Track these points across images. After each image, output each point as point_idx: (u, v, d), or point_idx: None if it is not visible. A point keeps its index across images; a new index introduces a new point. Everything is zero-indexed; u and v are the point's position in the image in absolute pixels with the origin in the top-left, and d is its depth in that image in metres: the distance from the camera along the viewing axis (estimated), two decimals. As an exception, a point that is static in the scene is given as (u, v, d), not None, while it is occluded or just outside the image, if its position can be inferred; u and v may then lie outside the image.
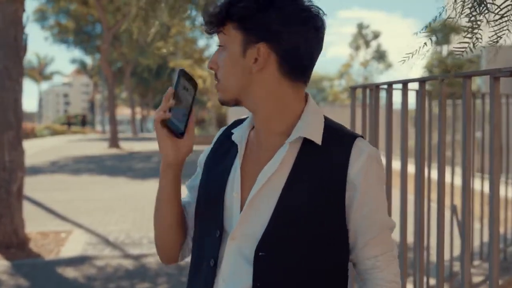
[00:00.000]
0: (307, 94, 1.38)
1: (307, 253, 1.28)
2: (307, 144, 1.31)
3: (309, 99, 1.37)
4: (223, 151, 1.44)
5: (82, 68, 53.85)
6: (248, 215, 1.31)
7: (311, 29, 1.30)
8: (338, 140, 1.32)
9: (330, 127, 1.35)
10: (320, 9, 1.32)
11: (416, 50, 2.04)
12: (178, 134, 1.34)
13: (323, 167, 1.29)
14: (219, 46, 1.34)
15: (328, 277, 1.31)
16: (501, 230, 5.42)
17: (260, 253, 1.28)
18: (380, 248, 1.34)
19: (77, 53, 73.25)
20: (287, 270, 1.28)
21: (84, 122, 47.41)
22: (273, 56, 1.29)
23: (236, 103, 1.35)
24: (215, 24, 1.30)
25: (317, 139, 1.31)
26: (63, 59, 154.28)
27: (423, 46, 2.03)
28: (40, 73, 72.42)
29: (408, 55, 2.05)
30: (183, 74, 1.32)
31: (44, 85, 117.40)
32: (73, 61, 52.46)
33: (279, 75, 1.31)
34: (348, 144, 1.31)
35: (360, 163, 1.29)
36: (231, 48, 1.31)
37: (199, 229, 1.43)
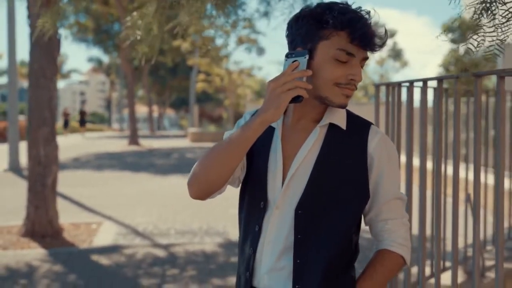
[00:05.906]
0: None
1: (337, 213, 1.60)
2: (332, 128, 1.64)
3: None
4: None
5: (99, 66, 54.10)
6: (289, 188, 1.63)
7: None
8: (357, 125, 1.66)
9: (351, 116, 1.69)
10: None
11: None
12: (298, 101, 1.48)
13: (347, 145, 1.62)
14: (363, 61, 1.57)
15: (349, 233, 1.63)
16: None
17: (299, 211, 1.60)
18: (391, 214, 1.66)
19: (95, 51, 73.69)
20: (322, 226, 1.60)
21: (83, 120, 35.37)
22: None
23: None
24: (379, 48, 1.57)
25: (343, 124, 1.64)
26: (80, 57, 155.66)
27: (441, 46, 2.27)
28: (58, 71, 73.10)
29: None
30: (310, 53, 1.53)
31: (61, 83, 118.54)
32: (90, 59, 52.75)
33: None
34: (366, 128, 1.66)
35: (376, 140, 1.63)
36: None
37: (247, 201, 1.73)
